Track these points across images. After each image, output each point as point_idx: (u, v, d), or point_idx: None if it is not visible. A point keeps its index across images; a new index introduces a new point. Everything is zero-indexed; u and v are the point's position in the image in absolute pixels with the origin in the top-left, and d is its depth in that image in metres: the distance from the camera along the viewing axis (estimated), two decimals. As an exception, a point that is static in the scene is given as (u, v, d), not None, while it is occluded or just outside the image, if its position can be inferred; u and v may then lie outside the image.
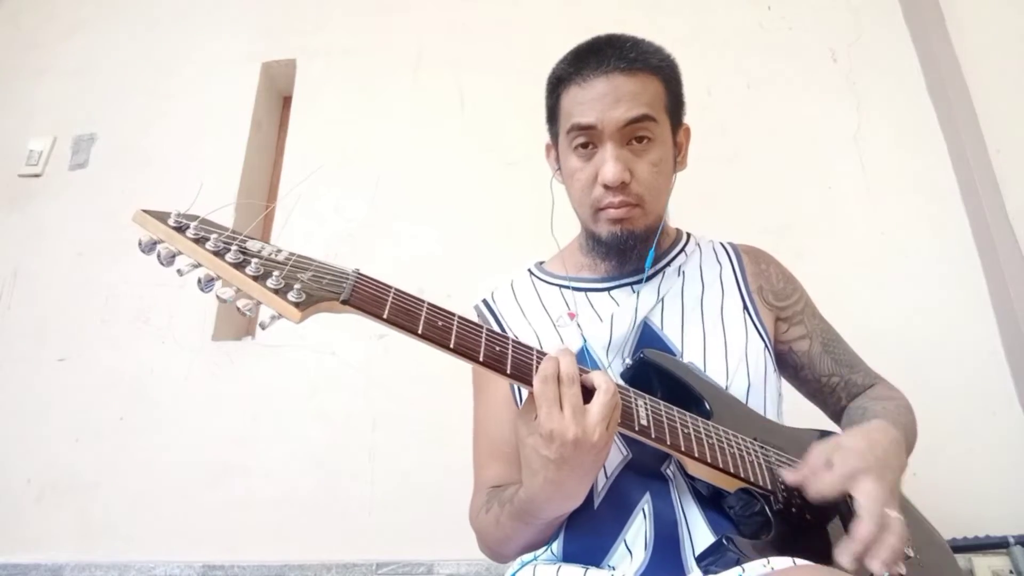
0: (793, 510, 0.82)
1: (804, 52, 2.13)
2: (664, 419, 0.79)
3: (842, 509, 0.88)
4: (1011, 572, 1.50)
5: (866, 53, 2.10)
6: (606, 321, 0.97)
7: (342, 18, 2.42)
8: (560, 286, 1.05)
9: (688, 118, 1.02)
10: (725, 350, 0.96)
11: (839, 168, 1.98)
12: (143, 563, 1.72)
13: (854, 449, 0.79)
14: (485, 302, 1.09)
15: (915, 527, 0.95)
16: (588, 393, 0.72)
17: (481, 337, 0.71)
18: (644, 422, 0.77)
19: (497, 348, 0.72)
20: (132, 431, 1.90)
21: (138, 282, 2.07)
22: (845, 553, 0.71)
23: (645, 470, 0.87)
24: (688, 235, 1.12)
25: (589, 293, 1.02)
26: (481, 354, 0.70)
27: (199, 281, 0.62)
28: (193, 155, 2.25)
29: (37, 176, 2.31)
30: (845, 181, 1.96)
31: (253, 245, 0.65)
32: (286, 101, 2.46)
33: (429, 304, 0.70)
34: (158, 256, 0.63)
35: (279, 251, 0.66)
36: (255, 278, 0.61)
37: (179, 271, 0.63)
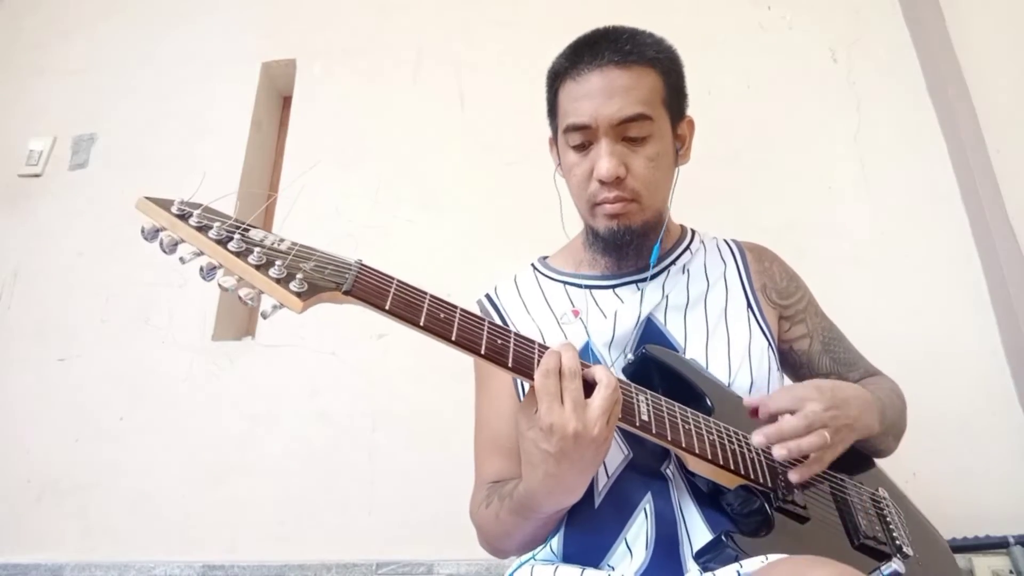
0: (792, 508, 0.82)
1: (804, 52, 2.14)
2: (665, 415, 0.79)
3: (842, 508, 0.88)
4: (1011, 572, 1.50)
5: (866, 53, 2.10)
6: (610, 318, 0.96)
7: (342, 18, 2.42)
8: (564, 283, 1.05)
9: (689, 113, 1.02)
10: (728, 348, 0.96)
11: (839, 168, 1.98)
12: (143, 563, 1.72)
13: (813, 384, 0.85)
14: (488, 297, 1.09)
15: (915, 527, 0.95)
16: (589, 388, 0.72)
17: (483, 330, 0.71)
18: (645, 417, 0.77)
19: (499, 341, 0.72)
20: (132, 431, 1.90)
21: (138, 282, 2.07)
22: (759, 433, 0.78)
23: (646, 470, 0.87)
24: (693, 232, 1.11)
25: (594, 290, 1.02)
26: (483, 347, 0.70)
27: (201, 269, 0.62)
28: (193, 155, 2.25)
29: (37, 176, 2.31)
30: (845, 181, 1.96)
31: (256, 234, 0.65)
32: (286, 101, 2.46)
33: (431, 296, 0.70)
34: (160, 244, 0.63)
35: (282, 240, 0.66)
36: (257, 267, 0.61)
37: (181, 259, 0.63)
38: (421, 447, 1.78)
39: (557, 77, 0.97)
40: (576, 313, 1.00)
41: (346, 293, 0.64)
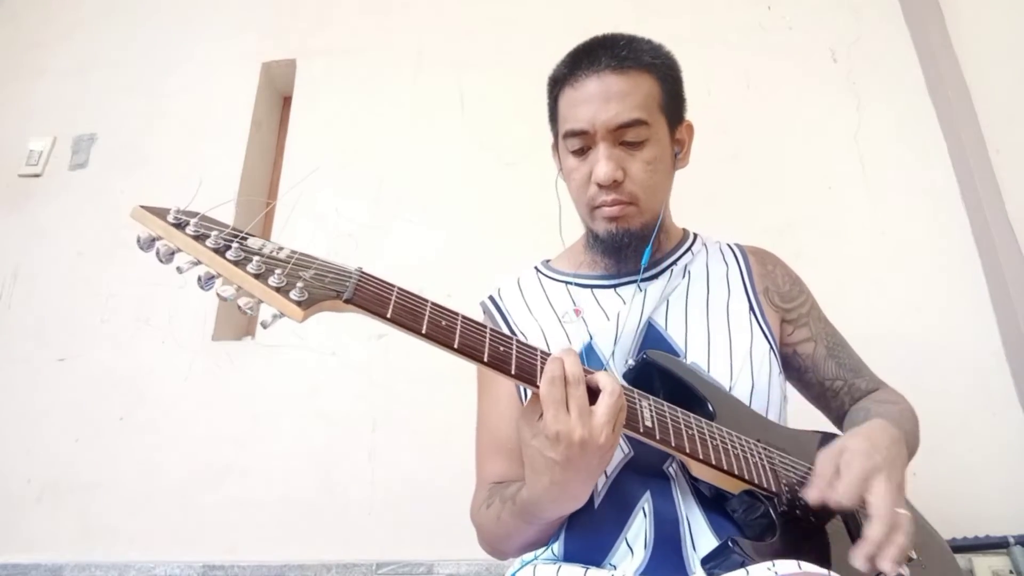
0: (797, 512, 0.81)
1: (804, 52, 2.13)
2: (668, 420, 0.79)
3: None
4: (1011, 572, 1.49)
5: (866, 53, 2.09)
6: (612, 319, 0.96)
7: (342, 18, 2.41)
8: (566, 282, 1.05)
9: (688, 117, 1.02)
10: (730, 351, 0.96)
11: (839, 168, 1.98)
12: (143, 563, 1.72)
13: (859, 451, 0.78)
14: (492, 299, 1.09)
15: (915, 527, 0.95)
16: (593, 394, 0.71)
17: (485, 337, 0.71)
18: (649, 423, 0.77)
19: (501, 348, 0.71)
20: (132, 431, 1.90)
21: (138, 282, 2.06)
22: (859, 556, 0.71)
23: (646, 469, 0.87)
24: (695, 235, 1.12)
25: (595, 290, 1.03)
26: (485, 354, 0.69)
27: (199, 279, 0.61)
28: (193, 155, 2.25)
29: (37, 176, 2.31)
30: (845, 181, 1.96)
31: (254, 242, 0.64)
32: (286, 101, 2.45)
33: (432, 303, 0.70)
34: (157, 253, 0.62)
35: (280, 249, 0.66)
36: (256, 276, 0.60)
37: (178, 268, 0.62)
38: (421, 447, 1.79)
39: (556, 84, 0.98)
40: (578, 312, 1.00)
41: (347, 301, 0.64)
